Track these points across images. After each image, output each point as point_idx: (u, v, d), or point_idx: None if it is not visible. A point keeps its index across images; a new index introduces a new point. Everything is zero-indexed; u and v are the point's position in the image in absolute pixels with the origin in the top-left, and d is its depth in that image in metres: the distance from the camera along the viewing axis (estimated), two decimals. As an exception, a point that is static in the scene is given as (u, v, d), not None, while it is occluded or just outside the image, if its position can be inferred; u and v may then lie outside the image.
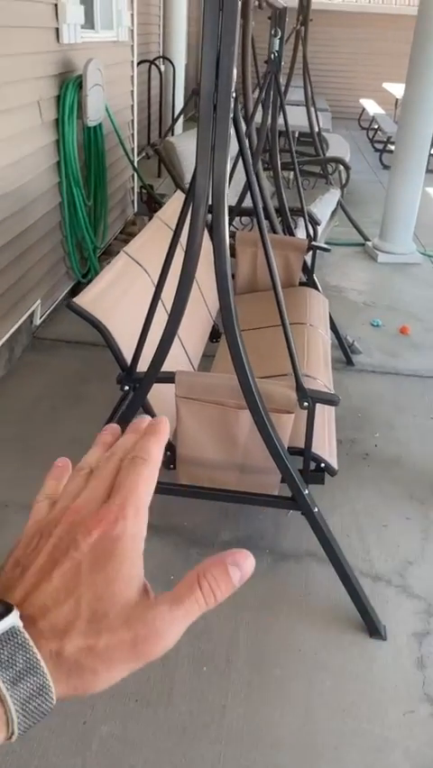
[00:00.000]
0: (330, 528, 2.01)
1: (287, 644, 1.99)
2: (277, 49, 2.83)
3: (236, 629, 2.03)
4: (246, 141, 1.65)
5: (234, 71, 1.36)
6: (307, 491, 1.88)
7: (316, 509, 1.90)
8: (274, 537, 2.39)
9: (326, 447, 2.09)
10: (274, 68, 2.87)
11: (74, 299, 1.86)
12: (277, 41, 2.80)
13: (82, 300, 1.87)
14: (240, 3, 1.35)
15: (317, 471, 2.02)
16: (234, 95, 1.39)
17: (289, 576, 2.23)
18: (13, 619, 0.34)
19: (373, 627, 2.01)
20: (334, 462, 2.06)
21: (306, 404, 1.82)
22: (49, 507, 0.43)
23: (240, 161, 3.61)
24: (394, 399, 3.34)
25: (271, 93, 3.01)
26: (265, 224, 3.53)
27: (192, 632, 1.57)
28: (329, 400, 1.85)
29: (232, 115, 1.44)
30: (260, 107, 3.21)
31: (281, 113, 3.06)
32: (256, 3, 2.73)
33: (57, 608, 0.36)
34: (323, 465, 2.01)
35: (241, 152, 1.68)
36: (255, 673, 1.90)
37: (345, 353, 3.62)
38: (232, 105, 1.40)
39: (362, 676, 1.91)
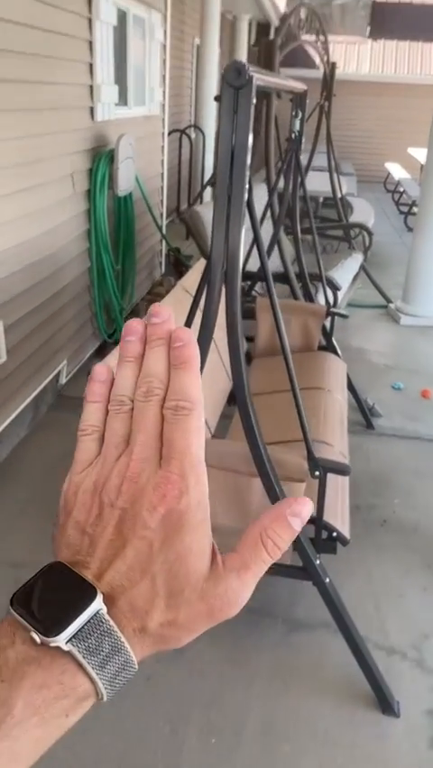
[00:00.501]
0: (345, 597, 2.00)
1: (297, 718, 1.96)
2: (298, 128, 2.97)
3: (247, 700, 2.00)
4: (258, 225, 1.74)
5: (248, 164, 1.46)
6: (318, 561, 1.89)
7: (327, 580, 1.90)
8: (289, 606, 2.37)
9: (338, 516, 2.10)
10: (294, 146, 3.01)
11: (97, 365, 1.94)
12: (298, 122, 2.95)
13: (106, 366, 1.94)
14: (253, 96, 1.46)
15: (329, 540, 2.03)
16: (247, 186, 1.49)
17: (302, 647, 2.20)
18: (98, 605, 0.35)
19: (386, 704, 1.97)
20: (346, 532, 2.07)
21: (317, 473, 1.85)
22: (95, 443, 0.41)
23: (262, 227, 3.75)
24: (414, 464, 3.33)
25: (292, 167, 3.15)
26: (286, 288, 3.64)
27: (202, 701, 1.59)
28: (341, 470, 1.87)
29: (246, 202, 1.53)
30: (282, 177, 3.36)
31: (301, 185, 3.19)
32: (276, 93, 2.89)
33: (134, 587, 0.37)
34: (335, 534, 2.02)
35: (254, 233, 1.77)
36: (265, 747, 1.87)
37: (364, 416, 3.64)
38: (246, 197, 1.49)
39: (374, 755, 1.87)
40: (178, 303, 2.61)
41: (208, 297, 1.66)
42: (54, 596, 0.36)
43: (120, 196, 4.05)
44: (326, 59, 5.13)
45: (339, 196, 5.64)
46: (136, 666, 0.36)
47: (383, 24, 13.16)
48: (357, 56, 13.17)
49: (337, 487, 2.25)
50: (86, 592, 0.36)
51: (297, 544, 1.86)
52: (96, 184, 3.68)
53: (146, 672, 2.07)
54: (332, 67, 5.11)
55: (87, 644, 0.35)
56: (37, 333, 3.23)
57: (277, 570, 2.01)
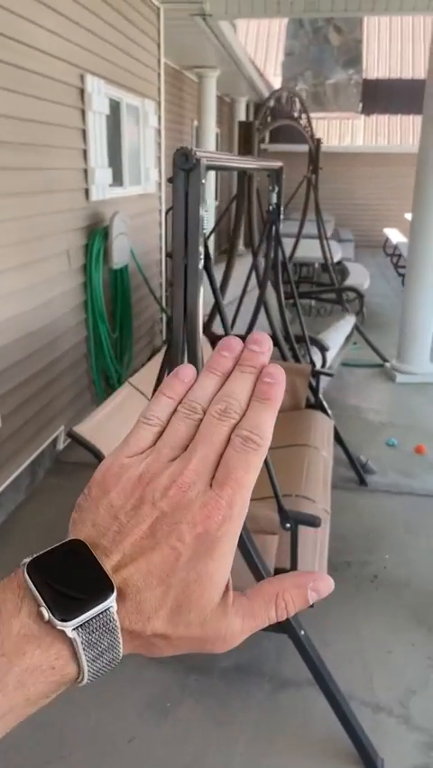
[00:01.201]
0: (332, 654, 2.02)
1: (280, 779, 1.94)
2: (275, 201, 3.16)
3: (229, 761, 1.99)
4: (217, 288, 1.88)
5: (200, 236, 1.60)
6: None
7: (302, 632, 1.92)
8: (275, 663, 2.37)
9: (315, 568, 2.13)
10: (273, 217, 3.19)
11: (74, 427, 2.04)
12: (274, 195, 3.14)
13: (81, 429, 2.05)
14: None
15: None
16: (202, 255, 1.62)
17: (287, 705, 2.19)
18: (110, 602, 0.35)
19: (369, 762, 1.95)
20: (323, 584, 2.09)
21: (288, 525, 1.90)
22: (153, 435, 0.41)
23: (249, 293, 3.91)
24: (407, 520, 3.34)
25: (273, 237, 3.33)
26: (275, 351, 3.76)
27: (184, 761, 1.62)
28: (310, 522, 1.92)
29: (204, 267, 1.67)
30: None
31: (282, 253, 3.36)
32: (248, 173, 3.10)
33: (147, 591, 0.36)
34: (311, 587, 2.04)
35: (215, 298, 1.90)
36: (246, 810, 1.84)
37: (357, 473, 3.67)
38: (200, 263, 1.63)
39: None
40: (158, 366, 2.73)
41: (172, 357, 1.77)
42: (71, 578, 0.36)
43: (115, 269, 4.25)
44: (310, 135, 5.44)
45: (331, 261, 5.85)
46: (118, 663, 0.37)
47: (375, 100, 13.85)
48: (351, 130, 13.81)
49: (316, 541, 2.29)
50: (103, 585, 0.36)
51: (270, 597, 1.90)
52: (92, 258, 3.89)
53: (130, 733, 2.07)
54: (317, 143, 5.42)
55: (90, 637, 0.35)
56: (34, 399, 3.36)
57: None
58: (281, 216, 3.33)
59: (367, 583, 2.83)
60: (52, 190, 3.46)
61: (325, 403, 3.47)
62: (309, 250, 6.41)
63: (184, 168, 1.55)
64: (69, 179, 3.70)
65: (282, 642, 2.45)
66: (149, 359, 5.40)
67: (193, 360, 1.71)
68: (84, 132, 3.82)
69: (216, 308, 1.93)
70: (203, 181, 1.58)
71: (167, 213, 5.95)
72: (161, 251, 5.71)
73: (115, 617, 0.35)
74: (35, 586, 0.35)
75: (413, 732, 2.08)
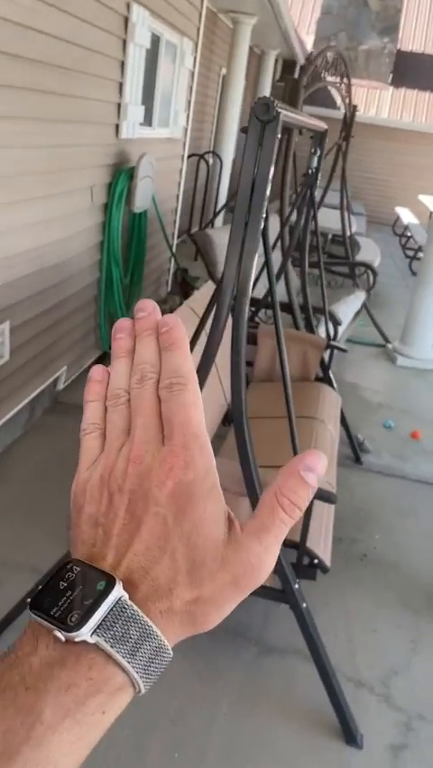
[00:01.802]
0: (319, 626, 2.03)
1: (262, 741, 1.97)
2: (315, 165, 3.07)
3: (213, 719, 2.02)
4: (271, 254, 1.81)
5: (267, 195, 1.53)
6: (297, 585, 1.92)
7: (304, 605, 1.93)
8: (262, 629, 2.39)
9: (321, 544, 2.13)
10: (311, 181, 3.10)
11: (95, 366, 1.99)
12: (315, 159, 3.05)
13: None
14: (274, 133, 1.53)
15: (309, 567, 2.06)
16: (265, 215, 1.56)
17: (272, 671, 2.22)
18: (118, 592, 0.34)
19: (350, 735, 1.99)
20: (327, 560, 2.11)
21: (304, 499, 1.89)
22: (98, 440, 0.42)
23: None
24: (398, 503, 3.37)
25: (306, 202, 3.24)
26: (288, 318, 3.71)
27: (169, 715, 1.62)
28: (327, 498, 1.92)
29: (261, 230, 1.60)
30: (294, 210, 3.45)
31: (314, 220, 3.28)
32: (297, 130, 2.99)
33: (155, 566, 0.36)
34: (316, 561, 2.05)
35: (266, 262, 1.84)
36: (227, 767, 1.88)
37: (354, 451, 3.68)
38: (262, 225, 1.56)
39: (333, 785, 1.88)
40: (183, 321, 2.67)
41: (216, 320, 1.71)
42: (72, 592, 0.35)
43: (135, 213, 4.13)
44: (348, 101, 5.28)
45: (348, 234, 5.76)
46: (170, 651, 0.36)
47: (406, 73, 13.50)
48: (378, 101, 13.48)
49: (322, 515, 2.29)
50: (105, 582, 0.35)
51: (277, 567, 1.90)
52: (114, 198, 3.76)
53: (116, 680, 2.08)
54: (353, 109, 5.26)
55: (112, 633, 0.34)
56: (41, 336, 3.28)
57: (256, 590, 2.03)
58: (317, 182, 3.24)
59: (356, 561, 2.86)
60: (84, 121, 3.31)
61: (333, 378, 3.45)
62: (325, 219, 6.29)
63: (262, 118, 1.47)
64: (102, 112, 3.55)
65: (269, 609, 2.48)
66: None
67: (239, 326, 1.66)
68: (122, 65, 3.65)
69: (267, 273, 1.87)
70: (278, 136, 1.51)
71: (188, 158, 5.78)
72: (178, 200, 5.56)
73: (130, 603, 0.34)
74: (43, 618, 0.34)
75: (393, 711, 2.13)
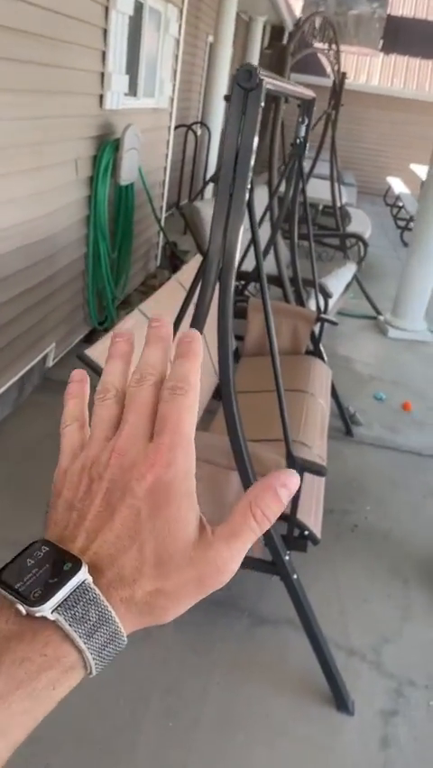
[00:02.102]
0: (311, 597, 2.05)
1: (254, 709, 2.01)
2: (303, 135, 3.02)
3: (206, 688, 2.05)
4: (257, 227, 1.78)
5: (251, 165, 1.50)
6: (287, 557, 1.94)
7: (295, 576, 1.95)
8: (255, 600, 2.42)
9: (311, 516, 2.14)
10: (299, 151, 3.06)
11: (86, 351, 1.97)
12: (303, 128, 3.00)
13: (93, 352, 1.98)
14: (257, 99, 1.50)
15: (300, 538, 2.07)
16: (250, 186, 1.53)
17: (264, 641, 2.25)
18: (83, 575, 0.35)
19: (341, 701, 2.02)
20: (318, 531, 2.12)
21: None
22: (79, 431, 0.43)
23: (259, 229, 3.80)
24: (389, 474, 3.39)
25: (295, 173, 3.19)
26: (278, 291, 3.69)
27: (162, 686, 1.63)
28: (318, 471, 1.92)
29: (246, 202, 1.57)
30: (283, 182, 3.41)
31: (302, 191, 3.24)
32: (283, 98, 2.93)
33: (122, 555, 0.37)
34: (306, 533, 2.06)
35: (252, 235, 1.81)
36: (220, 735, 1.91)
37: (345, 423, 3.69)
38: (246, 196, 1.53)
39: (325, 749, 1.92)
40: (171, 295, 2.65)
41: (202, 292, 1.69)
42: (39, 570, 0.36)
43: (121, 186, 4.07)
44: (337, 68, 5.18)
45: (339, 205, 5.70)
46: (125, 639, 0.36)
47: (396, 39, 13.26)
48: (368, 68, 13.27)
49: (313, 487, 2.30)
50: (72, 564, 0.36)
51: (268, 539, 1.91)
52: (100, 171, 3.70)
53: (110, 654, 2.11)
54: (342, 77, 5.17)
55: (72, 612, 0.34)
56: (29, 313, 3.25)
57: (246, 562, 2.05)
58: (306, 152, 3.19)
59: (347, 532, 2.89)
60: (67, 92, 3.24)
61: (324, 351, 3.44)
62: (315, 191, 6.22)
63: (245, 86, 1.43)
64: (85, 82, 3.47)
65: (262, 581, 2.50)
66: (142, 283, 5.29)
67: (225, 298, 1.64)
68: (105, 33, 3.56)
69: (253, 245, 1.84)
70: (262, 104, 1.47)
71: (175, 129, 5.68)
72: (166, 172, 5.48)
73: (93, 587, 0.35)
74: (8, 590, 0.35)
75: (384, 678, 2.17)
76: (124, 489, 0.38)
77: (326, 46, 5.60)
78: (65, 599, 0.35)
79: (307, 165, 5.63)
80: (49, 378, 3.78)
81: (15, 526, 2.59)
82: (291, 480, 0.41)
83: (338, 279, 4.68)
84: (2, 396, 3.15)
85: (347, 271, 4.99)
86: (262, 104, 1.48)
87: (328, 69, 5.24)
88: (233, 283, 1.63)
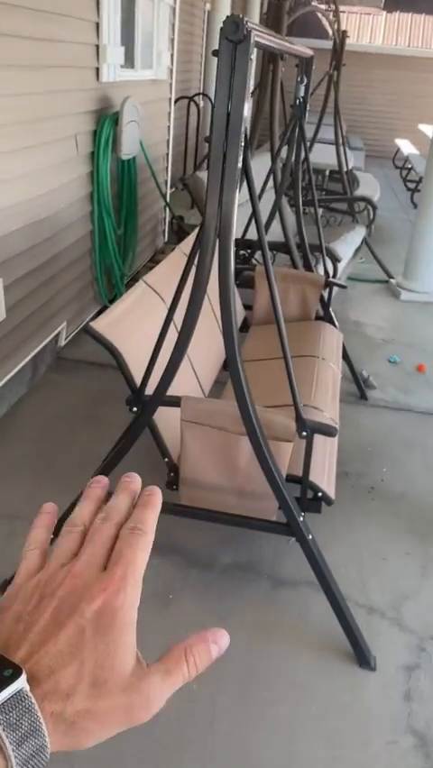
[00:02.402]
0: (330, 559, 2.07)
1: (277, 668, 2.04)
2: (302, 95, 2.96)
3: (229, 650, 2.05)
4: (255, 190, 1.76)
5: (244, 121, 1.48)
6: (302, 518, 1.95)
7: (310, 537, 1.96)
8: (273, 564, 2.44)
9: (324, 477, 2.15)
10: (299, 112, 3.00)
11: (91, 323, 1.98)
12: (302, 88, 2.94)
13: (98, 324, 1.98)
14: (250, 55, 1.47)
15: (314, 500, 2.08)
16: (242, 144, 1.51)
17: (284, 602, 2.28)
18: (22, 683, 0.37)
19: (363, 658, 2.05)
20: (331, 492, 2.13)
21: (304, 433, 1.90)
22: (39, 557, 0.46)
23: (265, 196, 3.75)
24: (405, 436, 3.38)
25: (296, 135, 3.14)
26: (287, 258, 3.65)
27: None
28: (327, 431, 1.92)
29: (241, 163, 1.56)
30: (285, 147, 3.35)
31: (304, 154, 3.18)
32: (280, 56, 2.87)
33: (61, 670, 0.38)
34: (320, 494, 2.07)
35: (250, 197, 1.79)
36: (244, 694, 1.95)
37: (359, 387, 3.68)
38: (241, 155, 1.51)
39: (348, 705, 1.95)
40: (175, 266, 2.63)
41: (200, 260, 1.68)
42: None
43: (123, 160, 4.04)
44: (336, 26, 5.06)
45: (345, 169, 5.61)
46: (48, 754, 0.37)
47: (399, -5, 12.89)
48: (371, 27, 12.93)
49: (325, 449, 2.30)
50: (11, 672, 0.37)
51: (282, 501, 1.92)
52: (100, 146, 3.67)
53: (133, 620, 2.14)
54: (342, 35, 5.05)
55: (7, 718, 0.35)
56: (37, 293, 3.26)
57: (262, 525, 2.07)
58: (306, 113, 3.14)
59: (364, 494, 2.89)
60: (61, 66, 3.20)
61: (334, 316, 3.41)
62: (321, 156, 6.13)
63: (232, 39, 1.41)
64: (80, 55, 3.43)
65: (279, 544, 2.53)
66: (151, 259, 5.27)
67: (225, 268, 1.63)
68: (98, 3, 3.50)
69: (252, 211, 1.83)
70: (251, 57, 1.45)
71: (176, 102, 5.61)
72: (169, 146, 5.42)
73: (30, 695, 0.37)
74: None
75: (404, 634, 2.19)
76: (73, 608, 0.41)
77: (325, 6, 5.47)
78: (3, 704, 0.36)
79: (310, 130, 5.55)
80: (62, 357, 3.80)
81: (40, 503, 2.63)
82: (223, 638, 0.45)
83: (347, 244, 4.62)
84: (16, 376, 3.18)
85: (356, 235, 4.93)
86: (253, 57, 1.45)
87: (330, 31, 5.11)
88: (232, 247, 1.62)
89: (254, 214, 1.85)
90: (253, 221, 3.52)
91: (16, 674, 0.37)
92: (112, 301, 4.26)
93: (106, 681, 0.39)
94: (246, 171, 1.66)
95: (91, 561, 0.43)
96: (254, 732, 1.85)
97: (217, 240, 1.61)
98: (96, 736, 0.39)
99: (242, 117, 1.45)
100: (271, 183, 3.60)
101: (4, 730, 0.35)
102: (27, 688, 0.37)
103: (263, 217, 3.57)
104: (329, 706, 1.94)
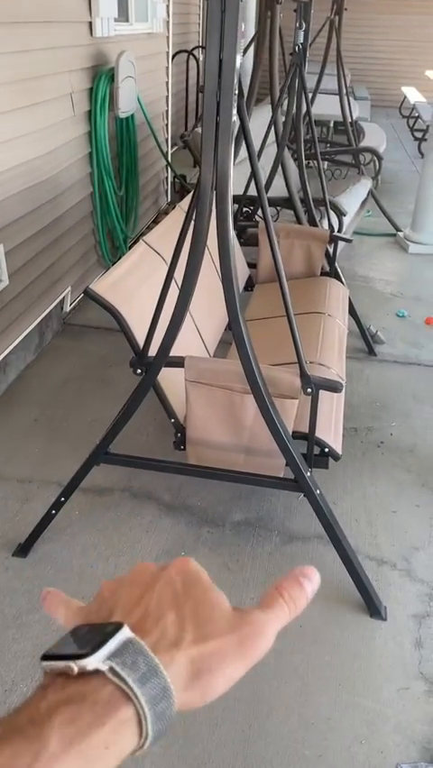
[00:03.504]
0: (340, 512, 2.09)
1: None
2: (301, 41, 2.87)
3: (241, 604, 2.10)
4: (252, 137, 1.72)
5: (237, 69, 1.43)
6: (309, 474, 1.95)
7: (318, 492, 1.97)
8: (284, 519, 2.46)
9: (331, 433, 2.15)
10: (298, 59, 2.91)
11: (91, 285, 1.97)
12: (301, 34, 2.84)
13: (98, 287, 1.97)
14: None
15: (321, 456, 2.09)
16: (236, 92, 1.46)
17: (295, 556, 2.30)
18: (126, 632, 0.37)
19: (373, 608, 2.08)
20: (338, 448, 2.13)
21: (309, 390, 1.89)
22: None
23: (265, 150, 3.67)
24: (414, 390, 3.36)
25: (296, 84, 3.05)
26: (289, 214, 3.59)
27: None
28: (333, 387, 1.91)
29: (236, 111, 1.51)
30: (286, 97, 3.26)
31: (306, 103, 3.10)
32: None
33: (163, 618, 0.40)
34: (327, 450, 2.07)
35: (247, 147, 1.75)
36: (256, 646, 1.98)
37: (367, 343, 3.65)
38: (236, 102, 1.47)
39: (359, 653, 1.98)
40: (176, 224, 2.59)
41: (198, 216, 1.65)
42: (85, 636, 0.39)
43: (121, 118, 3.95)
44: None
45: (350, 120, 5.46)
46: (175, 701, 0.37)
47: None
48: (375, -32, 12.40)
49: (332, 405, 2.29)
50: (113, 626, 0.38)
51: (289, 457, 1.93)
52: (97, 104, 3.59)
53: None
54: (344, -23, 4.86)
55: (122, 659, 0.36)
56: (40, 258, 3.24)
57: (270, 482, 2.08)
58: (306, 61, 3.04)
59: (373, 448, 2.89)
60: (52, 21, 3.11)
61: (340, 271, 3.36)
62: (325, 107, 5.95)
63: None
64: (71, 9, 3.32)
65: (289, 501, 2.54)
66: (154, 220, 5.20)
67: (223, 228, 1.60)
68: None
69: (250, 164, 1.78)
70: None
71: (173, 57, 5.46)
72: (168, 102, 5.30)
73: (139, 640, 0.37)
74: (59, 657, 0.37)
75: (415, 583, 2.21)
76: (158, 576, 0.44)
77: None
78: (115, 650, 0.36)
79: (312, 81, 5.39)
80: (68, 322, 3.79)
81: (52, 466, 2.67)
82: (314, 574, 0.46)
83: (353, 197, 4.53)
84: (23, 342, 3.18)
85: (362, 188, 4.83)
86: None
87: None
88: (230, 201, 1.58)
89: (252, 169, 1.80)
90: (265, 176, 3.46)
91: (119, 626, 0.38)
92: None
93: (210, 618, 0.41)
94: (242, 122, 1.62)
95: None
96: (267, 681, 1.89)
97: (215, 194, 1.58)
98: (219, 680, 0.39)
99: (235, 60, 1.40)
100: (272, 137, 3.51)
101: (122, 669, 0.35)
102: (134, 636, 0.38)
103: (266, 172, 3.50)
104: (341, 655, 1.97)
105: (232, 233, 1.61)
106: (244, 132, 1.63)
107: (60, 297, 3.59)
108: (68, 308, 3.76)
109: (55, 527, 2.27)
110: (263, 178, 3.49)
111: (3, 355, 2.98)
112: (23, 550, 2.22)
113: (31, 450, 2.76)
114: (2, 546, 2.27)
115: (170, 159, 5.39)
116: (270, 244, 1.86)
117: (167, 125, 5.38)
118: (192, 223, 1.69)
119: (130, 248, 4.34)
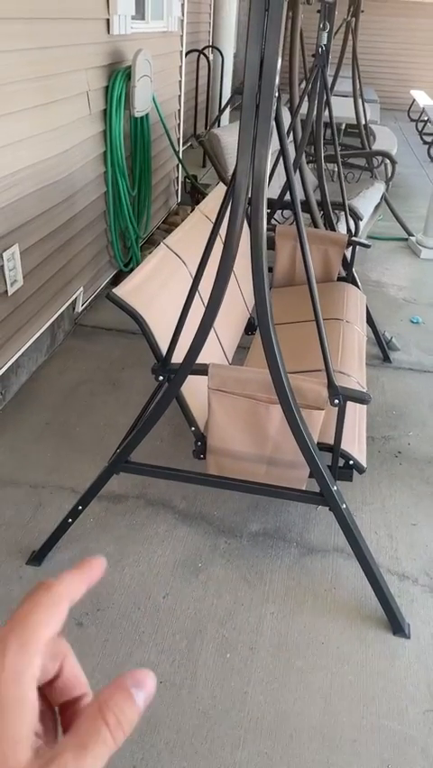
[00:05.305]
0: (359, 523, 2.03)
1: (310, 637, 2.02)
2: (325, 42, 2.81)
3: (261, 619, 2.06)
4: (286, 141, 1.66)
5: (278, 70, 1.38)
6: (335, 487, 1.90)
7: (344, 506, 1.92)
8: (302, 531, 2.41)
9: (355, 444, 2.10)
10: (321, 61, 2.86)
11: (113, 290, 1.91)
12: (325, 35, 2.79)
13: (121, 291, 1.91)
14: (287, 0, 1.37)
15: (345, 468, 2.03)
16: (277, 94, 1.41)
17: (315, 570, 2.25)
18: None
19: (396, 625, 2.02)
20: (363, 460, 2.07)
21: (337, 401, 1.84)
22: None
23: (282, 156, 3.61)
24: (430, 398, 3.31)
25: (318, 86, 3.00)
26: (306, 217, 3.54)
27: (217, 619, 1.62)
28: (360, 399, 1.86)
29: (274, 114, 1.46)
30: (306, 99, 3.21)
31: (327, 106, 3.04)
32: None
33: None
34: (352, 462, 2.02)
35: (282, 150, 1.69)
36: (277, 663, 1.93)
37: (382, 350, 3.60)
38: (275, 105, 1.42)
39: (383, 672, 1.93)
40: (195, 227, 2.54)
41: (231, 222, 1.60)
42: None
43: (136, 118, 3.90)
44: (355, -31, 4.81)
45: (363, 122, 5.41)
46: None
47: None
48: (386, -29, 12.35)
49: (355, 416, 2.24)
50: None
51: (315, 470, 1.87)
52: (113, 103, 3.54)
53: (163, 589, 2.13)
54: (361, -21, 4.80)
55: None
56: (53, 258, 3.18)
57: (295, 495, 2.03)
58: (327, 63, 2.99)
59: (391, 458, 2.84)
60: (70, 18, 3.05)
61: (357, 276, 3.31)
62: (337, 109, 5.90)
63: (267, -20, 1.29)
64: (89, 6, 3.26)
65: (307, 512, 2.49)
66: (164, 221, 5.14)
67: (257, 222, 1.54)
68: None
69: (283, 163, 1.73)
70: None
71: (186, 55, 5.40)
72: (180, 101, 5.24)
73: None
74: None
75: (438, 600, 2.16)
76: None
77: None
78: None
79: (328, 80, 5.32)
80: (80, 323, 3.74)
81: (65, 471, 2.61)
82: (146, 678, 0.35)
83: (367, 201, 4.48)
84: (35, 343, 3.13)
85: (376, 192, 4.78)
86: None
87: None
88: (265, 203, 1.53)
89: (288, 179, 1.75)
90: (272, 180, 3.41)
91: None
92: (126, 265, 4.18)
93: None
94: (278, 126, 1.57)
95: None
96: (290, 701, 1.84)
97: (250, 201, 1.52)
98: None
99: (276, 63, 1.35)
100: (290, 139, 3.46)
101: None
102: None
103: (280, 175, 3.45)
104: (364, 674, 1.92)
105: (264, 250, 1.56)
106: (279, 137, 1.58)
107: (73, 297, 3.54)
108: (80, 309, 3.71)
109: (69, 535, 2.21)
110: (280, 180, 3.44)
111: (16, 356, 2.93)
112: (38, 558, 2.17)
113: (43, 454, 2.71)
114: (15, 554, 2.22)
115: (181, 159, 5.33)
116: (301, 249, 1.81)
117: (179, 125, 5.33)
118: (225, 225, 1.64)
119: (141, 248, 4.29)
